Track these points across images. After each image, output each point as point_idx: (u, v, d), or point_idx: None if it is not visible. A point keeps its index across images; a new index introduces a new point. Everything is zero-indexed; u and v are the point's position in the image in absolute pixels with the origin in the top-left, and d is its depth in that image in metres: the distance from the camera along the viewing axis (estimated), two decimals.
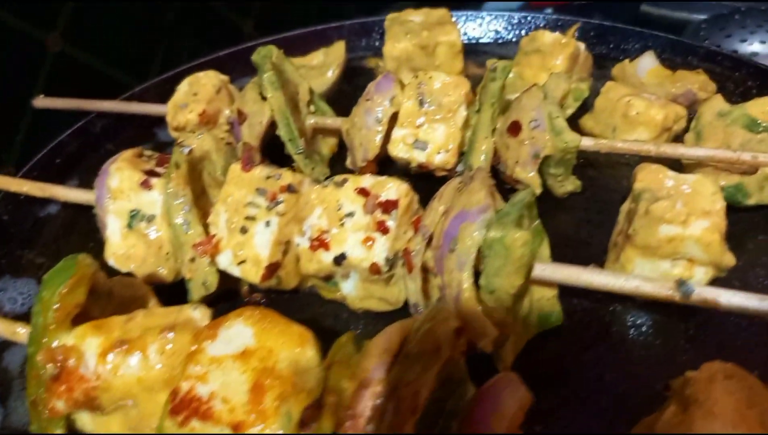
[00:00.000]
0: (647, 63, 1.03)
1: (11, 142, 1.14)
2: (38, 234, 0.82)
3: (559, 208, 0.82)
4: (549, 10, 1.67)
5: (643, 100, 0.89)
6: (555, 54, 1.01)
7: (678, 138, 0.90)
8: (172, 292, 0.71)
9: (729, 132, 0.84)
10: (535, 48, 1.03)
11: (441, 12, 1.07)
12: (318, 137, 0.92)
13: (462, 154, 0.83)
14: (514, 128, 0.79)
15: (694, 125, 0.88)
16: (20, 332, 0.61)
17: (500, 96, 0.81)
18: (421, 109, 0.81)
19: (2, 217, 0.83)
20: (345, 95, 1.06)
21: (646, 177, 0.70)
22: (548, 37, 1.03)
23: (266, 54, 0.86)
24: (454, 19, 1.18)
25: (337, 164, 0.91)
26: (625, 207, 0.73)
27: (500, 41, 1.20)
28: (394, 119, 0.83)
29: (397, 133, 0.81)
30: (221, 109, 0.90)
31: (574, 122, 0.95)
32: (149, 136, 1.00)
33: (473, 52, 1.17)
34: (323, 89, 1.04)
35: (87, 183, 0.77)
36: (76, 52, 1.19)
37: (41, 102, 0.98)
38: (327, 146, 0.93)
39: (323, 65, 1.08)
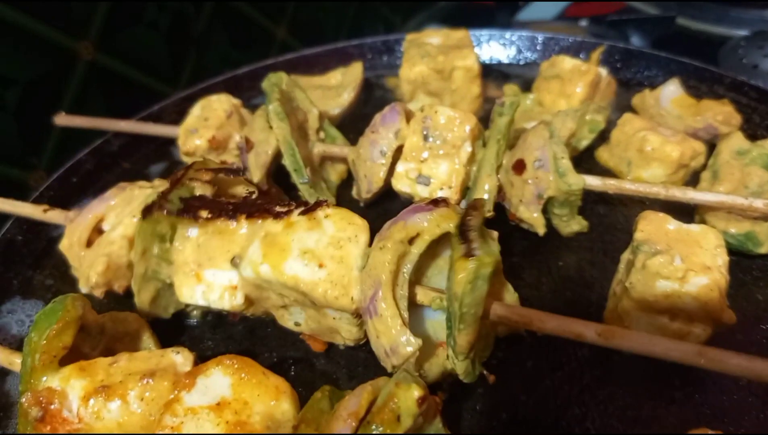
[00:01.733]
0: (671, 91, 1.00)
1: (44, 146, 1.18)
2: (49, 255, 0.84)
3: (564, 248, 0.80)
4: (584, 22, 1.64)
5: (658, 136, 0.86)
6: (574, 81, 0.99)
7: (696, 174, 0.87)
8: (168, 325, 0.73)
9: (746, 172, 0.81)
10: (554, 73, 1.01)
11: (460, 34, 1.06)
12: (326, 164, 0.92)
13: (467, 189, 0.82)
14: (519, 167, 0.77)
15: (712, 163, 0.85)
16: (17, 362, 0.63)
17: (507, 132, 0.79)
18: (426, 144, 0.80)
19: (16, 237, 0.85)
20: (361, 117, 1.05)
21: (647, 226, 0.67)
22: (568, 63, 1.00)
23: (276, 81, 0.86)
24: (477, 39, 1.17)
25: (346, 191, 0.91)
26: (625, 256, 0.71)
27: (523, 62, 1.17)
28: (400, 151, 0.82)
29: (401, 167, 0.81)
30: (231, 134, 0.91)
31: (590, 153, 0.93)
32: (165, 156, 1.02)
33: (495, 72, 1.16)
34: (338, 111, 1.03)
35: None
36: (107, 60, 1.21)
37: (62, 120, 1.00)
38: (336, 173, 0.93)
39: (340, 85, 1.08)
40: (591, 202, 0.85)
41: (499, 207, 0.81)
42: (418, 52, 1.01)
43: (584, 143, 0.92)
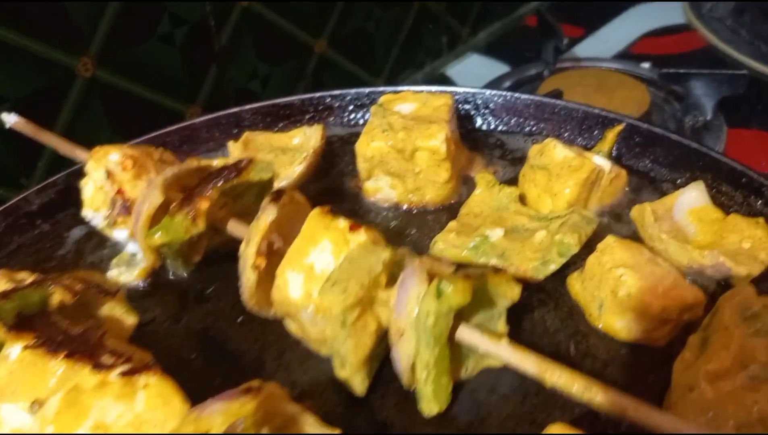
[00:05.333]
0: (692, 198, 0.78)
1: (34, 166, 1.12)
2: None
3: None
4: (646, 64, 1.40)
5: (639, 279, 0.66)
6: (563, 178, 0.79)
7: (691, 329, 0.66)
8: None
9: (751, 345, 0.60)
10: (542, 164, 0.82)
11: (441, 100, 0.88)
12: None
13: None
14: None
15: (706, 323, 0.64)
16: None
17: (438, 334, 0.59)
18: None
19: None
20: (320, 190, 0.91)
21: None
22: (559, 153, 0.81)
23: None
24: (470, 99, 0.98)
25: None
26: None
27: (525, 132, 0.98)
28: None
29: None
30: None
31: (561, 276, 0.74)
32: None
33: (491, 143, 0.97)
34: (285, 184, 0.89)
35: None
36: (109, 77, 1.14)
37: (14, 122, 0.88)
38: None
39: (298, 150, 0.93)
40: None
41: None
42: (381, 124, 0.85)
43: (552, 268, 0.73)
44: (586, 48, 1.54)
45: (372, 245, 0.64)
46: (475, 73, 1.47)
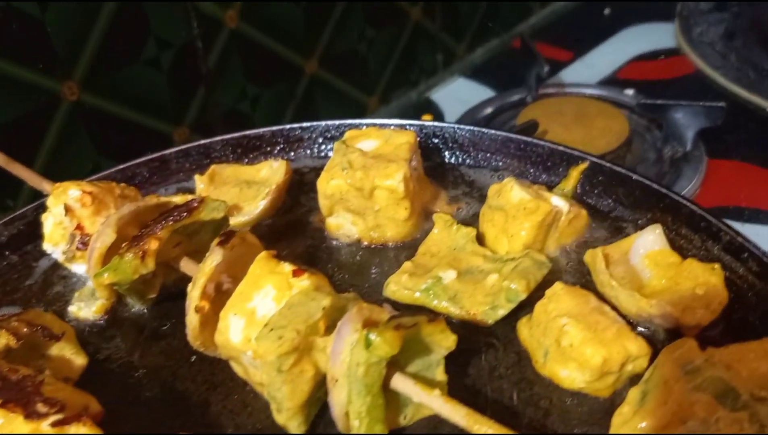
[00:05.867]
0: (649, 242, 0.78)
1: (20, 189, 1.14)
2: None
3: None
4: (630, 91, 1.39)
5: (582, 330, 0.66)
6: (519, 220, 0.79)
7: (634, 381, 0.66)
8: None
9: (691, 400, 0.60)
10: (499, 204, 0.82)
11: (404, 138, 0.88)
12: None
13: None
14: None
15: (647, 377, 0.63)
16: None
17: (370, 383, 0.59)
18: None
19: None
20: (284, 225, 0.92)
21: None
22: (516, 194, 0.81)
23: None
24: (438, 133, 0.99)
25: None
26: None
27: (492, 167, 0.98)
28: None
29: None
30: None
31: (513, 320, 0.74)
32: None
33: (458, 178, 0.97)
34: (246, 219, 0.89)
35: None
36: (94, 100, 1.16)
37: None
38: None
39: (265, 182, 0.93)
40: None
41: None
42: (341, 162, 0.85)
43: (501, 313, 0.73)
44: (573, 72, 1.53)
45: (314, 291, 0.64)
46: (459, 98, 1.47)
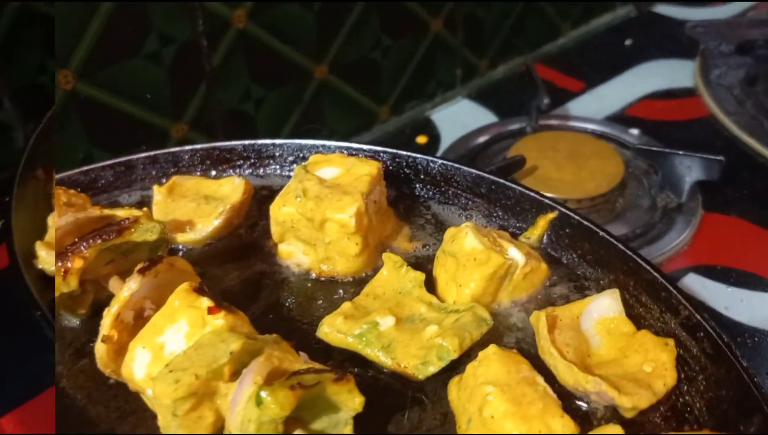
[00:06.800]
0: (602, 307, 0.74)
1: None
2: None
3: None
4: (635, 131, 1.34)
5: (505, 402, 0.61)
6: (469, 269, 0.75)
7: None
8: None
9: None
10: (452, 251, 0.78)
11: (366, 169, 0.84)
12: None
13: None
14: None
15: None
16: None
17: None
18: None
19: None
20: (237, 248, 0.89)
21: None
22: (468, 242, 0.76)
23: None
24: (410, 161, 0.95)
25: None
26: None
27: (462, 204, 0.93)
28: None
29: None
30: None
31: (446, 377, 0.70)
32: None
33: (423, 209, 0.93)
34: (193, 237, 0.87)
35: None
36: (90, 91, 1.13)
37: None
38: None
39: (224, 199, 0.90)
40: None
41: None
42: (296, 189, 0.82)
43: (431, 370, 0.69)
44: (581, 104, 1.47)
45: (226, 332, 0.61)
46: (460, 122, 1.43)
